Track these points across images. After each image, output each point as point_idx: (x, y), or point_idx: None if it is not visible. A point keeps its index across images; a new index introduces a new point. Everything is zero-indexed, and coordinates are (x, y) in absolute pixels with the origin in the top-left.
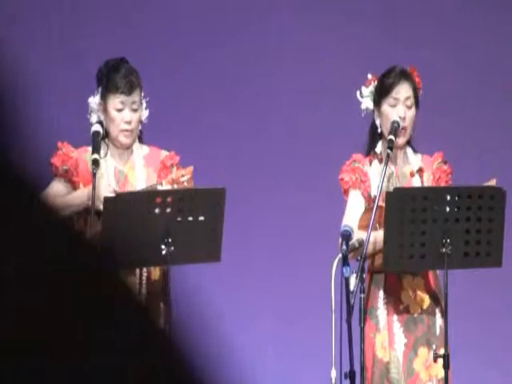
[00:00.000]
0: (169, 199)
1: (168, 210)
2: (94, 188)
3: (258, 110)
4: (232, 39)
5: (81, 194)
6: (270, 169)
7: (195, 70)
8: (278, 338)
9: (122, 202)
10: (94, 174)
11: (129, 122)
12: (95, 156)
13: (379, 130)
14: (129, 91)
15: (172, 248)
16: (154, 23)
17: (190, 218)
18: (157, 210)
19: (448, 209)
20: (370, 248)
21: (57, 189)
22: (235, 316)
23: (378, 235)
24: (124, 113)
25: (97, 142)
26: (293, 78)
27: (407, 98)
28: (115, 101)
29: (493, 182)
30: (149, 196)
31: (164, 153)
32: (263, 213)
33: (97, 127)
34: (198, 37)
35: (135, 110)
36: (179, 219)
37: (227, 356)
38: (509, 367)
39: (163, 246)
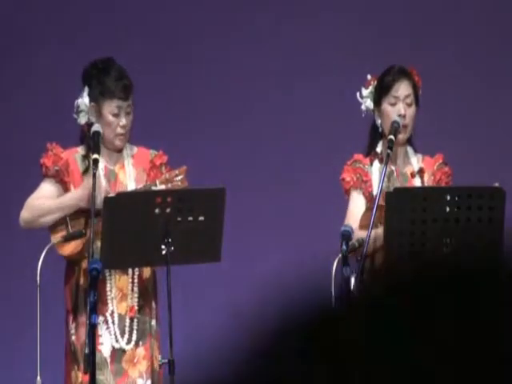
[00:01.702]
0: (169, 199)
1: (168, 210)
2: (94, 188)
3: (258, 110)
4: (229, 38)
5: (74, 196)
6: (271, 169)
7: (193, 69)
8: None
9: (122, 201)
10: (95, 174)
11: (124, 127)
12: (95, 156)
13: (380, 130)
14: (125, 96)
15: (172, 248)
16: (148, 23)
17: (190, 218)
18: (157, 210)
19: (448, 209)
20: (370, 245)
21: (48, 190)
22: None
23: (378, 232)
24: (120, 117)
25: (97, 142)
26: (292, 78)
27: (407, 96)
28: (112, 106)
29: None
30: (149, 196)
31: (152, 152)
32: (263, 213)
33: (97, 127)
34: (196, 35)
35: (129, 113)
36: (179, 219)
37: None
38: None
39: (163, 246)
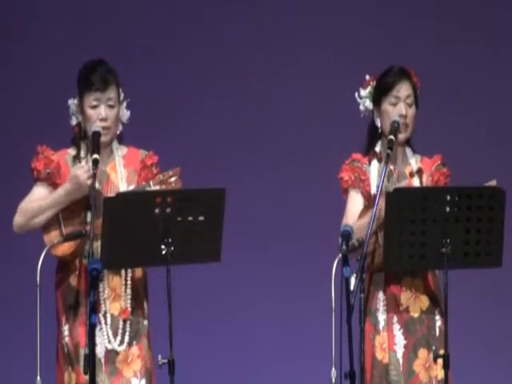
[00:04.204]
0: (169, 199)
1: (168, 210)
2: (94, 188)
3: (257, 110)
4: (230, 38)
5: (62, 191)
6: (270, 169)
7: (194, 68)
8: (277, 337)
9: (122, 201)
10: (95, 174)
11: (104, 119)
12: (96, 156)
13: (379, 130)
14: (103, 87)
15: (172, 248)
16: (148, 25)
17: (190, 218)
18: (157, 210)
19: (448, 209)
20: (373, 225)
21: (40, 194)
22: (235, 316)
23: (381, 209)
24: (99, 109)
25: (97, 142)
26: (292, 78)
27: (408, 96)
28: (90, 98)
29: (493, 183)
30: (149, 196)
31: (143, 152)
32: (263, 213)
33: (96, 127)
34: (196, 34)
35: (111, 107)
36: (179, 219)
37: (227, 356)
38: (509, 367)
39: (163, 246)
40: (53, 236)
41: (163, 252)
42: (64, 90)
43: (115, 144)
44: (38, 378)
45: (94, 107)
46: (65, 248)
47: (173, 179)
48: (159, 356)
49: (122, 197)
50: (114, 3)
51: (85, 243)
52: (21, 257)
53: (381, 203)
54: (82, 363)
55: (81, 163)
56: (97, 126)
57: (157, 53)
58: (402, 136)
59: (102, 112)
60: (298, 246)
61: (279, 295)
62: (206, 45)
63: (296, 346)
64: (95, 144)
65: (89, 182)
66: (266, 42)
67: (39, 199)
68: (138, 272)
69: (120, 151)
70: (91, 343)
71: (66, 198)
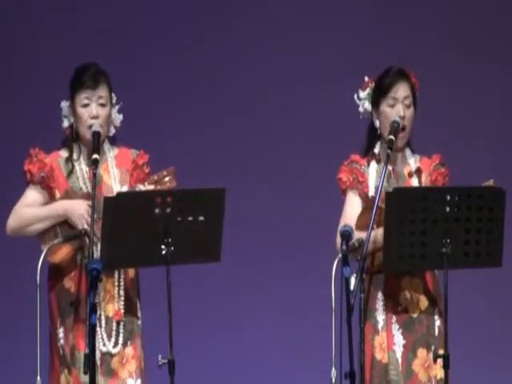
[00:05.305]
0: (169, 199)
1: (168, 210)
2: (94, 188)
3: (256, 111)
4: (230, 38)
5: (63, 207)
6: (270, 169)
7: (194, 67)
8: (278, 337)
9: (122, 201)
10: (95, 174)
11: (95, 117)
12: (95, 156)
13: (378, 132)
14: (93, 85)
15: (172, 248)
16: (145, 24)
17: (190, 218)
18: (157, 210)
19: (448, 209)
20: (369, 247)
21: (34, 197)
22: (235, 316)
23: (378, 234)
24: (90, 108)
25: (97, 142)
26: (291, 79)
27: (406, 98)
28: (81, 97)
29: (490, 183)
30: (149, 196)
31: (134, 152)
32: (263, 213)
33: (96, 127)
34: (196, 33)
35: (102, 105)
36: (179, 219)
37: (227, 356)
38: (508, 367)
39: (163, 246)
40: (49, 239)
41: (163, 252)
42: (57, 91)
43: (107, 145)
44: (38, 377)
45: (85, 106)
46: (63, 254)
47: (167, 179)
48: (159, 356)
49: (122, 197)
50: (114, 8)
51: (82, 245)
52: (21, 257)
53: (373, 234)
54: (79, 366)
55: (85, 201)
56: (96, 125)
57: (155, 54)
58: (399, 142)
59: (93, 110)
60: (298, 246)
61: (279, 295)
62: (204, 45)
63: (296, 345)
64: (95, 144)
65: (87, 221)
66: (265, 42)
67: (34, 205)
68: (131, 273)
69: (112, 152)
70: (91, 343)
71: (61, 218)
